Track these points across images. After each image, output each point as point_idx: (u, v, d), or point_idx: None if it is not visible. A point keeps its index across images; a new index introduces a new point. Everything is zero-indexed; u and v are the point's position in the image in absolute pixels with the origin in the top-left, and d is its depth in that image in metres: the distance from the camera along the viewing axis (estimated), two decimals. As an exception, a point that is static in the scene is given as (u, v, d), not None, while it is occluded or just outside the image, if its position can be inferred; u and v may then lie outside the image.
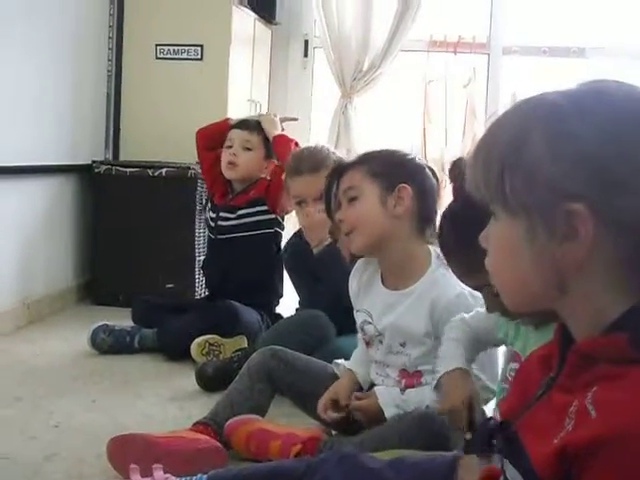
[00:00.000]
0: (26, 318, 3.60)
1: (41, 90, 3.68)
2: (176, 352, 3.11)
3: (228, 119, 3.66)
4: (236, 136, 3.46)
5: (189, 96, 4.38)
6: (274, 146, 3.45)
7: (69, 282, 4.06)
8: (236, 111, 4.26)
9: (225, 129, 3.51)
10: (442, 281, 2.12)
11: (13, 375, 2.91)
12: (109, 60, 4.37)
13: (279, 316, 3.35)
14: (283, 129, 3.56)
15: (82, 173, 4.09)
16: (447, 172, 1.60)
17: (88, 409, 2.57)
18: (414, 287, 2.17)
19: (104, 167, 4.10)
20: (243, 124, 3.52)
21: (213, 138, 3.53)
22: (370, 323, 2.24)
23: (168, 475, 1.79)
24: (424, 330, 2.13)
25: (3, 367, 2.99)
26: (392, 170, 2.16)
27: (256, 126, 3.49)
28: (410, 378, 2.18)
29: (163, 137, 4.32)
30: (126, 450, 2.04)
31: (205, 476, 1.72)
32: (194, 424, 2.21)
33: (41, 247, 3.78)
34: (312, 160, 2.91)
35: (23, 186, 3.60)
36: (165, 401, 2.68)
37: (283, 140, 3.45)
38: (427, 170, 2.21)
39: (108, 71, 4.37)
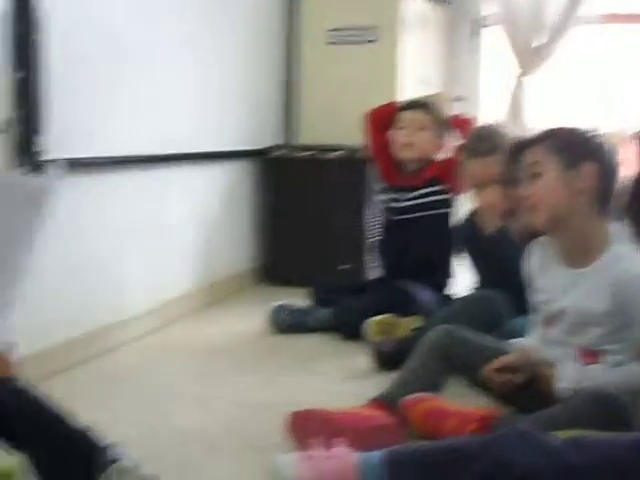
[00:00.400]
0: (209, 299, 3.75)
1: (223, 78, 3.82)
2: (352, 331, 3.15)
3: (395, 101, 3.67)
4: (409, 117, 3.46)
5: (361, 79, 4.42)
6: (453, 125, 3.43)
7: (248, 264, 4.20)
8: (407, 92, 4.26)
9: (394, 111, 3.52)
10: (626, 257, 2.06)
11: (197, 353, 3.05)
12: (284, 47, 4.47)
13: (451, 296, 3.34)
14: (454, 109, 3.54)
15: (260, 158, 4.22)
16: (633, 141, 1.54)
17: (267, 385, 2.67)
18: (594, 265, 2.11)
19: (280, 151, 4.21)
20: (414, 105, 3.52)
21: (383, 120, 3.55)
22: (549, 302, 2.20)
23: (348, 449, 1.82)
24: (606, 310, 2.07)
25: (188, 346, 3.15)
26: (575, 146, 2.12)
27: (427, 106, 3.49)
28: (591, 356, 2.13)
29: (337, 120, 4.38)
30: (305, 425, 2.10)
31: (380, 453, 1.73)
32: (370, 401, 2.25)
33: (223, 230, 3.94)
34: (491, 142, 2.88)
35: (206, 171, 3.76)
36: (341, 379, 2.74)
37: (461, 120, 3.44)
38: (609, 148, 2.15)
39: (284, 58, 4.47)
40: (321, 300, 3.44)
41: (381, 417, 2.14)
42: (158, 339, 3.21)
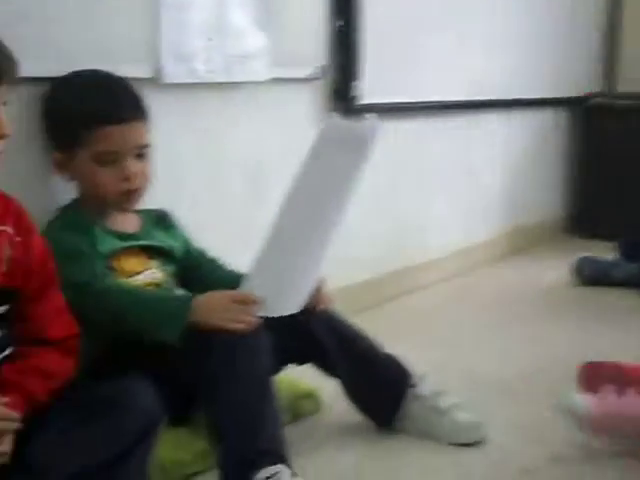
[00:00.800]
0: (513, 246, 3.76)
1: (537, 24, 3.75)
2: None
3: None
4: None
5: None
6: None
7: (554, 214, 4.14)
8: None
9: None
10: None
11: (498, 299, 3.09)
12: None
13: None
14: None
15: (574, 106, 4.11)
16: None
17: (565, 336, 2.65)
18: None
19: (597, 100, 4.07)
20: None
21: None
22: None
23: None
24: None
25: (490, 291, 3.21)
26: None
27: None
28: None
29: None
30: (595, 376, 2.07)
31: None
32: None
33: (530, 178, 3.90)
34: None
35: (517, 118, 3.74)
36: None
37: None
38: None
39: (605, 2, 4.29)
40: (628, 255, 3.32)
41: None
42: (461, 282, 3.29)
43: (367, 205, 2.76)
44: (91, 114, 1.69)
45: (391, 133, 2.92)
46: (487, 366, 2.38)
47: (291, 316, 1.69)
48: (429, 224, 3.25)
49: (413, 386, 1.91)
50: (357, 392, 1.93)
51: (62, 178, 1.77)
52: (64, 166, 1.74)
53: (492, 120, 3.57)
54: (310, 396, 2.05)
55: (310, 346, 1.86)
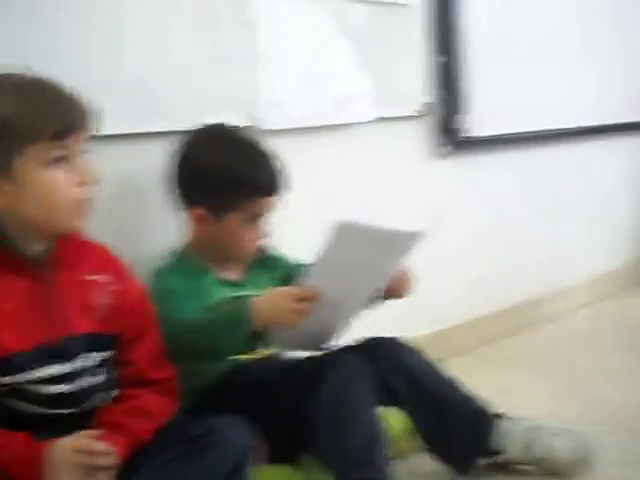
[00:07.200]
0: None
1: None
2: None
3: None
4: None
5: None
6: None
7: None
8: None
9: None
10: None
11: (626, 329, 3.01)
12: None
13: None
14: None
15: None
16: None
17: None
18: None
19: None
20: None
21: None
22: None
23: None
24: None
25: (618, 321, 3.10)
26: None
27: None
28: None
29: None
30: None
31: None
32: None
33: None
34: None
35: (633, 142, 3.63)
36: None
37: None
38: None
39: None
40: None
41: None
42: (590, 312, 3.21)
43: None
44: (256, 185, 1.75)
45: (504, 164, 2.90)
46: (608, 396, 2.31)
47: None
48: (558, 253, 3.21)
49: (499, 452, 1.81)
50: (432, 440, 1.84)
51: (192, 230, 1.81)
52: (205, 221, 1.78)
53: (615, 144, 3.48)
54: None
55: (379, 390, 1.74)
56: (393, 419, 1.88)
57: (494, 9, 2.83)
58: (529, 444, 1.80)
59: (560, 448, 1.81)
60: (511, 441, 1.80)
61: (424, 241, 1.57)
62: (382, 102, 2.44)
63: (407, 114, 2.58)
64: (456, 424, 1.80)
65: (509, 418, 1.84)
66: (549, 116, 3.08)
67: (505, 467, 1.83)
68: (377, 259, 1.62)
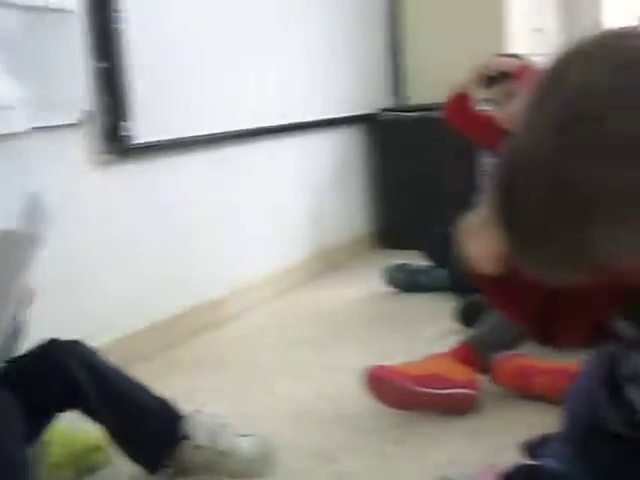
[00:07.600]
0: (320, 267, 3.78)
1: (330, 45, 3.80)
2: (468, 292, 3.05)
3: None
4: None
5: (466, 29, 4.25)
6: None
7: (361, 230, 4.20)
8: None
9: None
10: None
11: (303, 319, 3.10)
12: (387, 4, 4.38)
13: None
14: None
15: (369, 123, 4.18)
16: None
17: (363, 352, 2.65)
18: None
19: (388, 114, 4.15)
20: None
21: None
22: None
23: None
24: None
25: (297, 313, 3.20)
26: None
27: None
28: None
29: (446, 75, 4.23)
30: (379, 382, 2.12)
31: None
32: (459, 344, 2.27)
33: (332, 198, 3.94)
34: None
35: (316, 139, 3.79)
36: (441, 339, 2.67)
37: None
38: None
39: (386, 15, 4.38)
40: (436, 261, 3.37)
41: (457, 383, 2.13)
42: (274, 307, 3.29)
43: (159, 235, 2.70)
44: None
45: (174, 168, 2.90)
46: (281, 390, 2.37)
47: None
48: (233, 253, 3.24)
49: (187, 438, 1.82)
50: (121, 438, 1.82)
51: None
52: None
53: (295, 143, 3.62)
54: (98, 447, 1.90)
55: (67, 389, 1.72)
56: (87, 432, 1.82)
57: (155, 14, 2.80)
58: (214, 437, 1.83)
59: (243, 446, 1.85)
60: (198, 429, 1.82)
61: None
62: (40, 110, 2.33)
63: (67, 122, 2.49)
64: (144, 420, 1.79)
65: (198, 411, 1.86)
66: (217, 119, 3.11)
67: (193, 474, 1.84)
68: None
